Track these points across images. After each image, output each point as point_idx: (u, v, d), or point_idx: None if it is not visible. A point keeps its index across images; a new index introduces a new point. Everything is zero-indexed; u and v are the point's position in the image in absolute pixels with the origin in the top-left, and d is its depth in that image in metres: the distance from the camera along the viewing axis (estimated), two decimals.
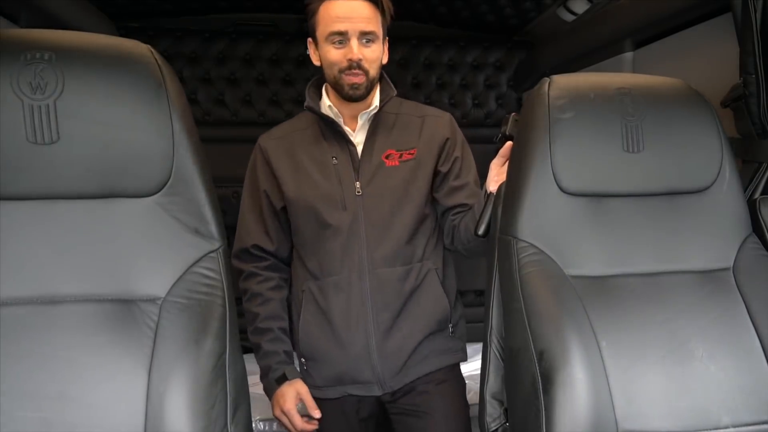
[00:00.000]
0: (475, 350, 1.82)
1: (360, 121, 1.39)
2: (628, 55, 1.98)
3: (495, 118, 2.76)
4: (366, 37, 1.30)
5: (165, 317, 0.88)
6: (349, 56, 1.29)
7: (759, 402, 1.04)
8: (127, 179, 0.89)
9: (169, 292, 0.90)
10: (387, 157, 1.38)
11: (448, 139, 1.44)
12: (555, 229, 1.08)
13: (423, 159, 1.40)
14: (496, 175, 1.31)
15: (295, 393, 1.36)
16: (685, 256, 1.12)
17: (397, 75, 2.65)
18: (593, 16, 2.09)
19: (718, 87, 1.38)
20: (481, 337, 1.21)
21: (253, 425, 0.91)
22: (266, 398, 1.42)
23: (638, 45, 1.95)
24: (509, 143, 1.25)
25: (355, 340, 1.34)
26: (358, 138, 1.39)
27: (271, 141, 1.42)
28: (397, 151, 1.39)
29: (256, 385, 2.04)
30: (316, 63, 1.38)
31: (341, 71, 1.31)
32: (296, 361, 1.44)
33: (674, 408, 1.01)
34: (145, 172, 0.90)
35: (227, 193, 2.52)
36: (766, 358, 1.06)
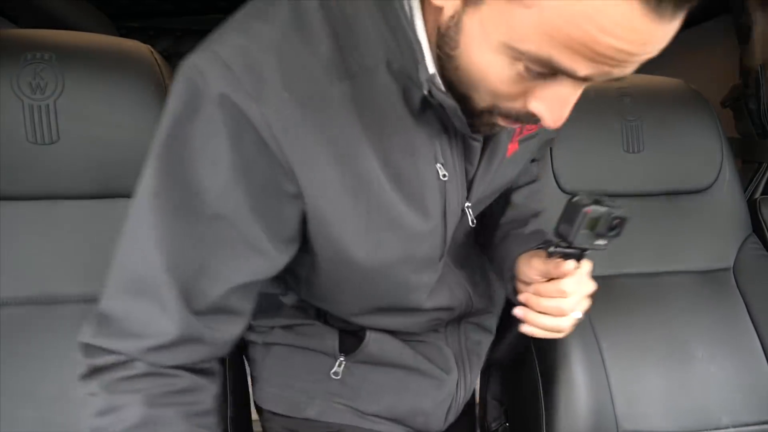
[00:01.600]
0: None
1: None
2: None
3: None
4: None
5: None
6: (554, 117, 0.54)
7: (759, 402, 1.04)
8: (127, 179, 0.89)
9: None
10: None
11: None
12: None
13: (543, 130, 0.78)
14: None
15: None
16: (686, 256, 1.12)
17: None
18: None
19: (718, 87, 1.38)
20: None
21: (253, 425, 0.91)
22: None
23: None
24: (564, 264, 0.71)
25: None
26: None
27: (283, 99, 0.55)
28: None
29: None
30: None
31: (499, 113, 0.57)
32: None
33: (674, 408, 1.01)
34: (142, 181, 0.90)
35: None
36: (766, 358, 1.06)
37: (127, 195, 0.90)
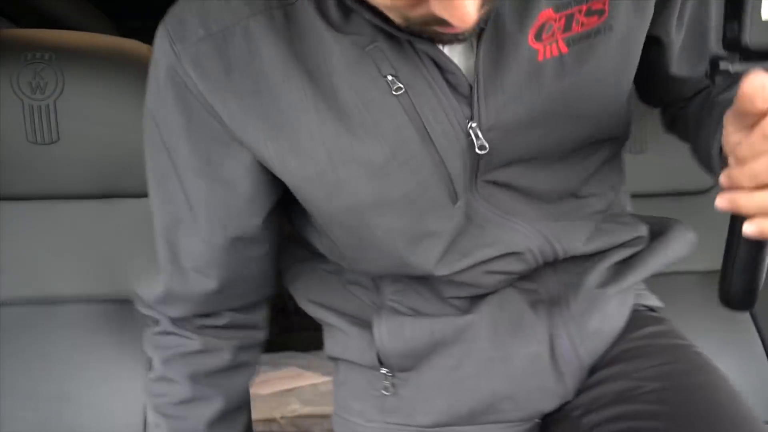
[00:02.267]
0: None
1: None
2: None
3: None
4: None
5: None
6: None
7: (760, 402, 1.04)
8: (127, 179, 0.89)
9: None
10: (537, 37, 0.56)
11: None
12: None
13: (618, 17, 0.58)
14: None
15: None
16: (689, 256, 1.12)
17: None
18: None
19: None
20: None
21: (253, 425, 0.92)
22: (266, 398, 1.43)
23: None
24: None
25: None
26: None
27: (199, 36, 0.56)
28: (558, 11, 0.55)
29: (256, 385, 2.05)
30: None
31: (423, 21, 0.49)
32: None
33: None
34: (145, 172, 0.90)
35: None
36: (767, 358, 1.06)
37: (127, 195, 0.90)
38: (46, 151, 0.85)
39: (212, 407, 0.72)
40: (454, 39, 0.52)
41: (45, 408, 0.83)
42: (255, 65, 0.55)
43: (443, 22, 0.45)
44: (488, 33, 0.55)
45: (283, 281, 0.77)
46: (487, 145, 0.57)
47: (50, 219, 0.88)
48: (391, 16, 0.49)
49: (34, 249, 0.88)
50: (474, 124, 0.57)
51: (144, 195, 0.90)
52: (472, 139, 0.57)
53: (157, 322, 0.71)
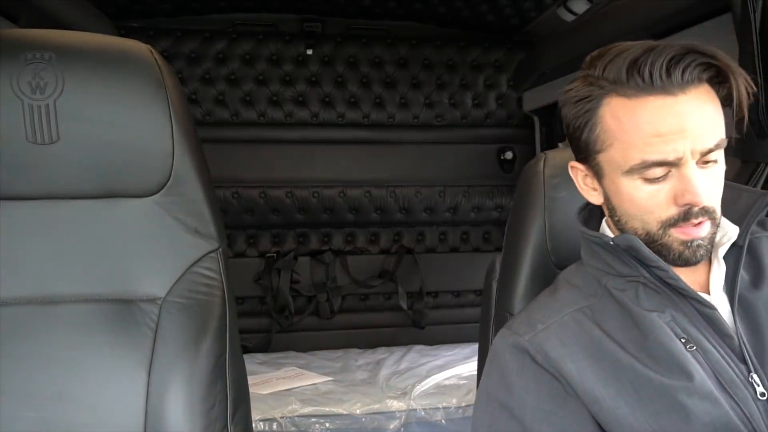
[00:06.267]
0: (473, 350, 1.82)
1: (716, 261, 0.79)
2: None
3: (495, 118, 2.76)
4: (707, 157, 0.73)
5: (165, 317, 0.88)
6: (687, 197, 0.72)
7: None
8: (127, 179, 0.89)
9: (169, 292, 0.90)
10: None
11: None
12: None
13: None
14: None
15: None
16: None
17: (397, 75, 2.66)
18: (593, 16, 2.09)
19: None
20: (479, 338, 1.22)
21: (253, 425, 0.92)
22: (266, 398, 1.43)
23: None
24: None
25: None
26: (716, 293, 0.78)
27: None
28: None
29: (256, 385, 2.05)
30: (594, 200, 0.82)
31: (668, 224, 0.74)
32: None
33: None
34: (145, 172, 0.90)
35: (227, 193, 2.53)
36: None
37: (126, 195, 0.90)
38: (46, 151, 0.85)
39: None
40: (691, 255, 0.75)
41: (45, 408, 0.83)
42: (583, 339, 0.79)
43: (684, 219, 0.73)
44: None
45: None
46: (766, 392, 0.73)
47: (50, 219, 0.88)
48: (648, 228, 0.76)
49: (34, 249, 0.88)
50: (754, 377, 0.73)
51: (143, 195, 0.91)
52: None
53: None
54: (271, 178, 2.62)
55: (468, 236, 2.82)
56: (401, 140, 2.69)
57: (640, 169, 0.72)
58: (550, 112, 2.62)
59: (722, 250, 0.78)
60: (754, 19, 1.27)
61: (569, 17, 2.18)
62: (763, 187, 1.31)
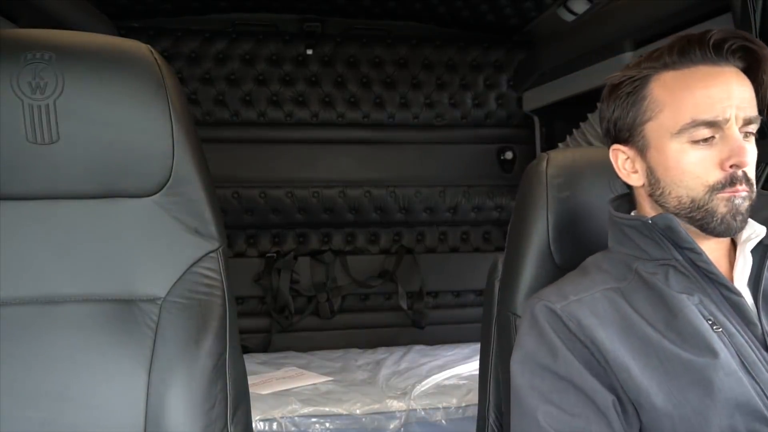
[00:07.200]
0: (473, 350, 1.82)
1: (742, 255, 0.83)
2: (628, 55, 1.99)
3: (495, 118, 2.76)
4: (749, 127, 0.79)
5: (165, 317, 0.88)
6: (733, 158, 0.77)
7: None
8: (127, 179, 0.89)
9: (169, 292, 0.90)
10: None
11: None
12: None
13: None
14: None
15: None
16: None
17: (397, 75, 2.66)
18: (593, 16, 2.09)
19: None
20: (480, 338, 1.22)
21: (253, 425, 0.92)
22: (266, 398, 1.43)
23: (638, 45, 1.95)
24: None
25: None
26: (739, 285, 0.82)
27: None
28: None
29: (256, 385, 2.05)
30: (633, 182, 0.87)
31: (714, 189, 0.79)
32: None
33: None
34: (145, 172, 0.90)
35: (227, 193, 2.53)
36: None
37: (126, 195, 0.90)
38: (46, 151, 0.85)
39: None
40: (732, 225, 0.78)
41: (45, 408, 0.83)
42: (617, 315, 0.82)
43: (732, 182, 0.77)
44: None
45: None
46: None
47: (50, 219, 0.88)
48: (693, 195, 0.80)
49: (34, 249, 0.88)
50: None
51: (144, 195, 0.91)
52: None
53: None
54: (271, 178, 2.62)
55: (468, 236, 2.82)
56: (401, 140, 2.69)
57: (690, 129, 0.77)
58: (551, 112, 2.62)
59: (749, 245, 0.82)
60: (754, 20, 1.27)
61: (569, 17, 2.18)
62: (763, 188, 1.31)
